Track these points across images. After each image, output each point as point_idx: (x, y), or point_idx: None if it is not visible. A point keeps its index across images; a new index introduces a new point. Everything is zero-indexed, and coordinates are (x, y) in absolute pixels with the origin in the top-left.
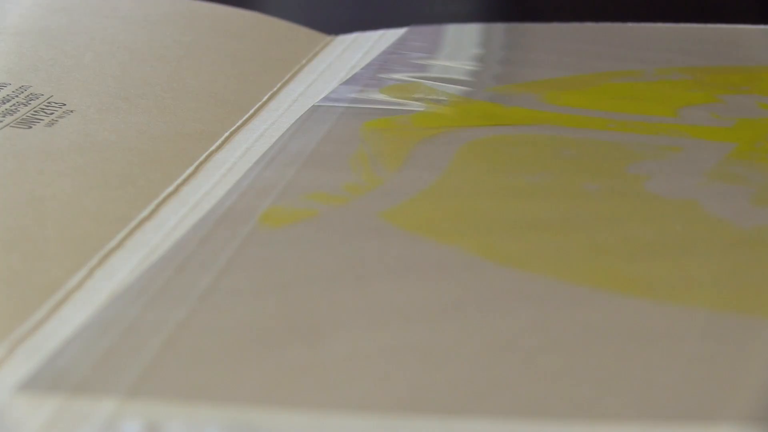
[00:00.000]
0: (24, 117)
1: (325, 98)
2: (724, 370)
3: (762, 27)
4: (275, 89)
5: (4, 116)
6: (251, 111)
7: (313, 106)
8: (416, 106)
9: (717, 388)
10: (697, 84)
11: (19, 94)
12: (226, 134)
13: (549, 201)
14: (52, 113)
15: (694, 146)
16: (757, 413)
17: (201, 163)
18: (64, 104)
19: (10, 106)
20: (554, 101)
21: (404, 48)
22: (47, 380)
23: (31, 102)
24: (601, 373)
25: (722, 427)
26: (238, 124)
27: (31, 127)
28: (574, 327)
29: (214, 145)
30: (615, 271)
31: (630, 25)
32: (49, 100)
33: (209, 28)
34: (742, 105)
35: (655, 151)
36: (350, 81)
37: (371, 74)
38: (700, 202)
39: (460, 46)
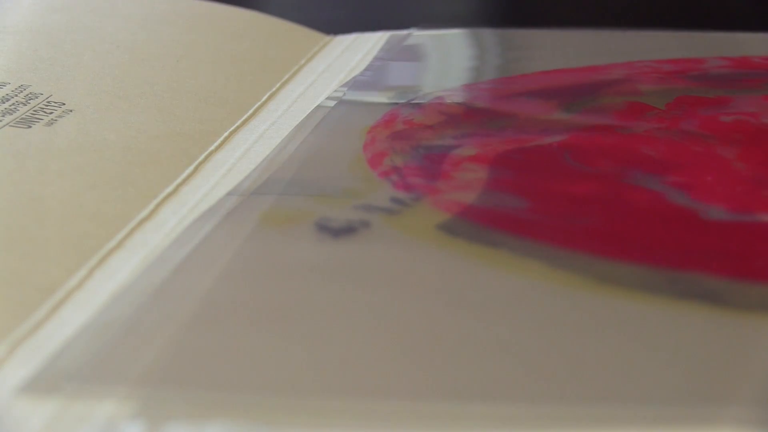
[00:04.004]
0: (23, 116)
1: (327, 100)
2: (724, 371)
3: (762, 35)
4: (274, 89)
5: (3, 116)
6: (251, 111)
7: (316, 107)
8: (417, 112)
9: (717, 388)
10: (695, 86)
11: (19, 93)
12: (226, 134)
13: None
14: (51, 113)
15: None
16: (757, 413)
17: (200, 164)
18: (64, 104)
19: (10, 106)
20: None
21: (402, 52)
22: (47, 381)
23: (31, 101)
24: (599, 373)
25: (722, 427)
26: (237, 124)
27: (30, 127)
28: (571, 327)
29: (213, 145)
30: (609, 273)
31: (630, 32)
32: (49, 99)
33: (209, 27)
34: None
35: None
36: (352, 83)
37: (372, 76)
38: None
39: (456, 53)
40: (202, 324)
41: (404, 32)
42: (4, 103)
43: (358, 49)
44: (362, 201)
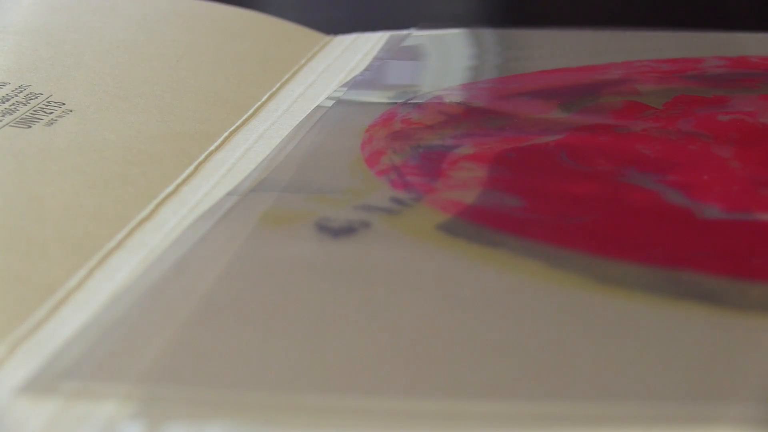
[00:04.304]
0: (23, 116)
1: (327, 100)
2: (723, 370)
3: (760, 35)
4: (274, 89)
5: (3, 116)
6: (250, 111)
7: (316, 107)
8: (415, 112)
9: (716, 387)
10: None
11: (19, 93)
12: (226, 134)
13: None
14: (51, 113)
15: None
16: (757, 412)
17: (200, 164)
18: (64, 103)
19: (10, 106)
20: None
21: (402, 52)
22: (47, 381)
23: (31, 101)
24: (598, 372)
25: (722, 426)
26: (237, 124)
27: (30, 127)
28: (570, 326)
29: (213, 145)
30: (608, 273)
31: (628, 32)
32: (49, 99)
33: (209, 27)
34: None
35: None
36: (352, 83)
37: (372, 76)
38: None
39: (455, 53)
40: (202, 324)
41: (404, 32)
42: (4, 103)
43: (358, 49)
44: (362, 201)
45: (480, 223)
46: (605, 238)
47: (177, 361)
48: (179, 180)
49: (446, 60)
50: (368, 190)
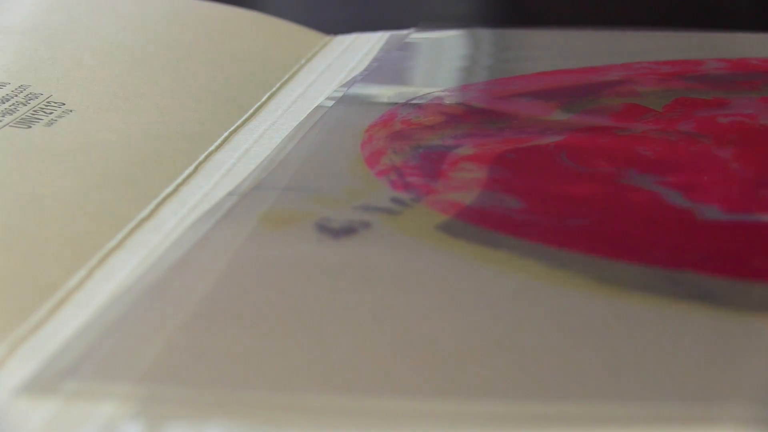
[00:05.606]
0: (23, 116)
1: (327, 100)
2: (723, 370)
3: (761, 35)
4: (274, 89)
5: (3, 116)
6: (251, 111)
7: (315, 107)
8: (415, 112)
9: (716, 387)
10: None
11: (19, 93)
12: (226, 134)
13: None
14: (51, 113)
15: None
16: (756, 412)
17: (200, 164)
18: (64, 104)
19: (10, 106)
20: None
21: (402, 52)
22: (47, 381)
23: (31, 101)
24: (599, 372)
25: (722, 426)
26: (237, 124)
27: (30, 127)
28: (570, 327)
29: (213, 146)
30: (609, 273)
31: (628, 33)
32: (49, 99)
33: (209, 27)
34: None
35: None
36: (352, 83)
37: (372, 76)
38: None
39: (455, 53)
40: (202, 324)
41: (404, 32)
42: (4, 103)
43: (358, 49)
44: (362, 201)
45: (480, 224)
46: (605, 239)
47: (177, 361)
48: (179, 180)
49: (446, 60)
50: (368, 190)
